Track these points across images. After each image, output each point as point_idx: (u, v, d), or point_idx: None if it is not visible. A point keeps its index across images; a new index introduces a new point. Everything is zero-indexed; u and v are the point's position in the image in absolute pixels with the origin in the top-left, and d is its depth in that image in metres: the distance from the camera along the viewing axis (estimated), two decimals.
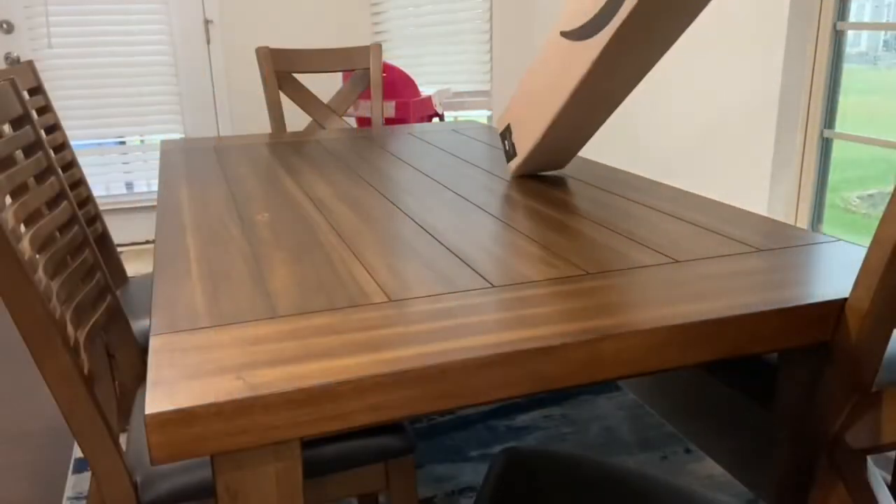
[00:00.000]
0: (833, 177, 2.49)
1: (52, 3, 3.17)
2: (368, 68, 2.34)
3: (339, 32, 3.42)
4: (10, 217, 1.03)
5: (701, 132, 2.71)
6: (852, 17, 2.35)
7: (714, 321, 0.79)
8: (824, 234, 1.09)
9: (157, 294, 0.87)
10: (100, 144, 3.49)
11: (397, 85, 3.19)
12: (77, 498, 1.69)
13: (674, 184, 1.43)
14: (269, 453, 0.68)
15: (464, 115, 3.84)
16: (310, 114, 2.32)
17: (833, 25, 2.34)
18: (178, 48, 3.40)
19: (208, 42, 3.43)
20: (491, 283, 0.89)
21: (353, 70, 2.38)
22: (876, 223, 0.78)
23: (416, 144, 1.90)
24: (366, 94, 2.37)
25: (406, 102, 3.17)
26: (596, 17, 0.99)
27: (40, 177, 1.25)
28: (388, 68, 3.12)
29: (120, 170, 3.56)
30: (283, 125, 2.28)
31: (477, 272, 0.94)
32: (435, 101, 3.28)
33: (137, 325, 1.43)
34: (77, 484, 1.73)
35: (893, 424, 0.80)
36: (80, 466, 1.79)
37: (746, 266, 0.95)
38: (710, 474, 1.72)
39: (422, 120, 3.20)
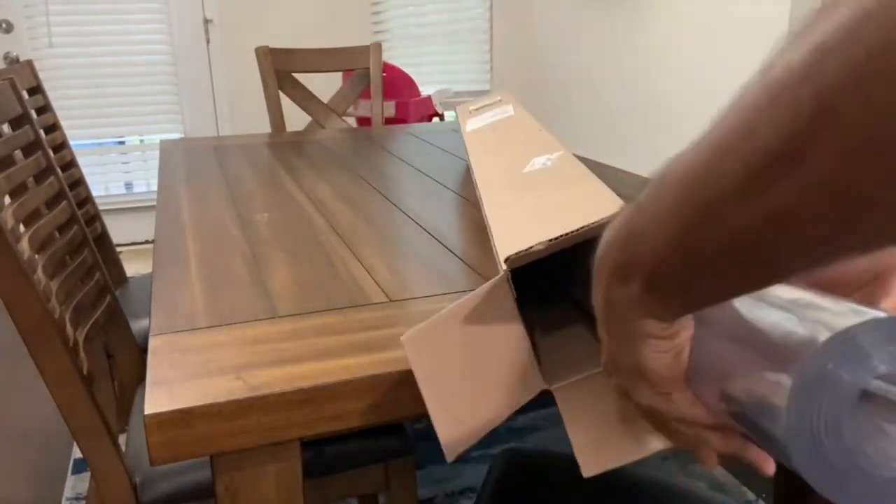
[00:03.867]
0: None
1: (52, 2, 3.17)
2: (368, 68, 2.34)
3: (339, 32, 3.42)
4: (9, 217, 1.02)
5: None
6: None
7: None
8: None
9: (157, 294, 0.87)
10: (99, 144, 3.49)
11: (397, 85, 3.18)
12: (76, 499, 1.68)
13: None
14: (268, 453, 0.68)
15: None
16: (310, 113, 2.31)
17: None
18: (178, 48, 3.40)
19: (208, 42, 3.43)
20: None
21: (353, 70, 2.38)
22: None
23: (416, 144, 1.90)
24: (366, 93, 2.36)
25: (406, 102, 3.17)
26: None
27: (39, 177, 1.25)
28: (388, 68, 3.11)
29: (119, 170, 3.55)
30: (283, 125, 2.28)
31: (477, 272, 0.94)
32: (435, 101, 3.27)
33: (137, 326, 1.42)
34: (76, 484, 1.73)
35: None
36: (80, 467, 1.78)
37: None
38: (710, 475, 1.72)
39: (422, 120, 3.20)
